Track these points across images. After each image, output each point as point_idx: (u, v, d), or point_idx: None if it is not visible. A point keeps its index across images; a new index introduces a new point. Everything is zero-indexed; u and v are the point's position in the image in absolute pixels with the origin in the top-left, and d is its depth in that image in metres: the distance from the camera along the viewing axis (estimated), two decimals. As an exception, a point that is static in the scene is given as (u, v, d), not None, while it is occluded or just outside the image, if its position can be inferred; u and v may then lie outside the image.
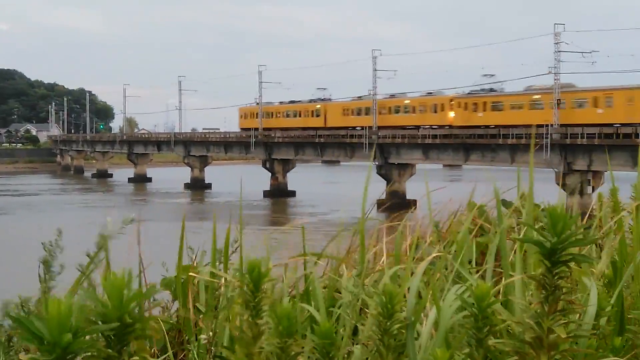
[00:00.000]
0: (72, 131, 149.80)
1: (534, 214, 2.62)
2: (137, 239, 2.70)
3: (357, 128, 72.00)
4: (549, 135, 51.91)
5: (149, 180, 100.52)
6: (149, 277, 2.73)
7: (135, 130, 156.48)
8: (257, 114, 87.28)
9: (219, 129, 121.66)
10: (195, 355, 2.21)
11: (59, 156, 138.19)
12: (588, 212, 3.37)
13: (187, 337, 2.37)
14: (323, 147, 74.33)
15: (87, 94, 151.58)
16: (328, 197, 66.89)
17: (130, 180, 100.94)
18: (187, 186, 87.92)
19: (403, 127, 66.97)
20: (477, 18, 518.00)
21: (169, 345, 2.24)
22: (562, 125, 52.42)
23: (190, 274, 2.53)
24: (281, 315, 1.53)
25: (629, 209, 2.72)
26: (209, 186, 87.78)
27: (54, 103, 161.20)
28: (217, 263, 2.67)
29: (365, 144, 66.57)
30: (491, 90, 63.68)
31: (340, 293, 2.44)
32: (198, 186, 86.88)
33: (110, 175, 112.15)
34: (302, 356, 1.75)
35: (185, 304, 2.44)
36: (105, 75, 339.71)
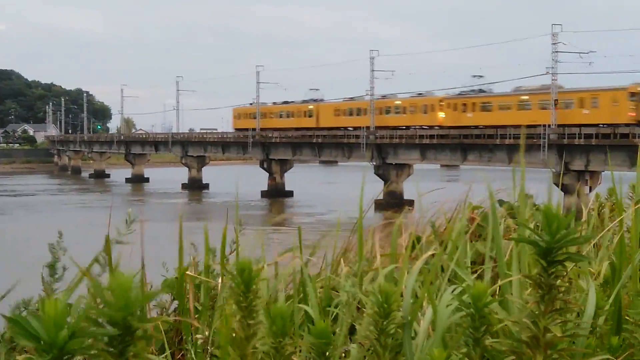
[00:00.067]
0: (70, 131, 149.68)
1: (529, 214, 2.62)
2: (140, 239, 2.70)
3: (350, 128, 72.87)
4: (546, 136, 51.98)
5: (147, 180, 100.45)
6: (148, 277, 2.73)
7: (133, 130, 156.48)
8: (250, 114, 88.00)
9: (216, 129, 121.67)
10: (193, 355, 2.20)
11: (56, 156, 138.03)
12: (586, 211, 3.37)
13: (185, 337, 2.37)
14: (320, 148, 74.34)
15: (85, 94, 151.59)
16: (325, 197, 66.93)
17: (127, 180, 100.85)
18: (184, 186, 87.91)
19: (394, 128, 67.41)
20: (477, 18, 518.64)
21: (167, 345, 2.24)
22: (549, 126, 53.00)
23: (188, 273, 2.53)
24: (275, 315, 1.52)
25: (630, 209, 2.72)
26: (206, 186, 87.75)
27: (51, 103, 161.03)
28: (213, 263, 2.67)
29: (363, 144, 66.62)
30: (480, 91, 64.49)
31: (337, 292, 2.45)
32: (195, 186, 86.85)
33: (108, 176, 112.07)
34: (298, 356, 1.75)
35: (184, 304, 2.44)
36: (103, 76, 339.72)
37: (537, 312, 1.53)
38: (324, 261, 2.79)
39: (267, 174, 78.82)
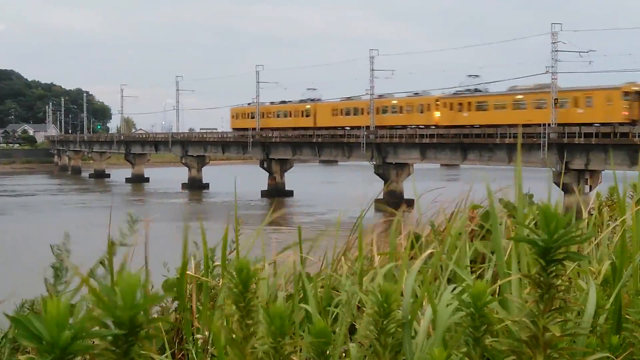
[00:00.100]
0: (70, 131, 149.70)
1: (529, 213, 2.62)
2: (139, 239, 2.69)
3: (347, 128, 73.39)
4: (546, 135, 52.01)
5: (147, 180, 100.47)
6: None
7: (133, 130, 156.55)
8: (248, 114, 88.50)
9: (216, 129, 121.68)
10: (194, 355, 2.20)
11: (56, 156, 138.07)
12: (587, 211, 3.37)
13: (185, 337, 2.37)
14: (320, 147, 74.35)
15: (85, 94, 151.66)
16: (325, 197, 66.91)
17: (127, 180, 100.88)
18: (184, 186, 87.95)
19: (391, 127, 67.79)
20: (476, 18, 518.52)
21: (167, 345, 2.24)
22: (549, 125, 53.35)
23: (188, 273, 2.52)
24: (273, 315, 1.52)
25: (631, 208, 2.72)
26: (206, 186, 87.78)
27: (51, 103, 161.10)
28: (212, 263, 2.67)
29: (363, 143, 66.67)
30: (476, 90, 65.01)
31: (338, 291, 2.44)
32: (195, 186, 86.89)
33: (108, 176, 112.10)
34: (297, 356, 1.75)
35: (184, 303, 2.44)
36: (103, 76, 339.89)
37: (536, 312, 1.53)
38: (325, 260, 2.79)
39: (267, 174, 78.85)
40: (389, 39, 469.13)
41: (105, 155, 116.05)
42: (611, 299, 2.08)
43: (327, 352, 1.66)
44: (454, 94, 66.18)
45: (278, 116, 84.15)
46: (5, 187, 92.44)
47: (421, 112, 67.60)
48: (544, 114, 54.31)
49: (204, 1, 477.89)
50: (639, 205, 2.46)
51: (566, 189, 49.07)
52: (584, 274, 2.28)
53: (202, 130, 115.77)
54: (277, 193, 75.11)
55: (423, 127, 66.21)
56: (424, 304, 1.96)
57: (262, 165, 79.73)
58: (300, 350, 1.78)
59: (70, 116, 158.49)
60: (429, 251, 2.32)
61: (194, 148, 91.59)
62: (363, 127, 67.92)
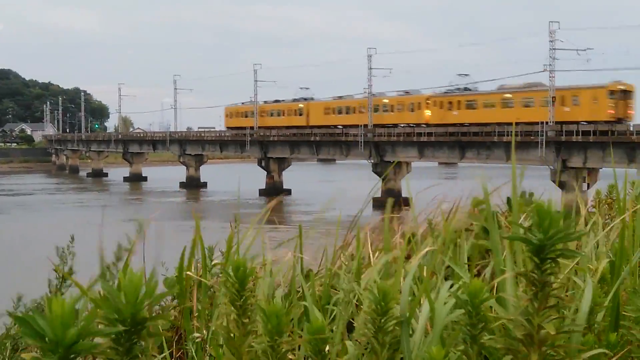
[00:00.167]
0: (67, 130, 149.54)
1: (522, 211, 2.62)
2: (138, 238, 2.69)
3: (339, 126, 74.38)
4: (544, 133, 52.06)
5: (145, 179, 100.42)
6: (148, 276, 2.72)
7: (131, 129, 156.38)
8: (242, 113, 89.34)
9: (214, 128, 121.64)
10: (194, 354, 2.20)
11: (54, 155, 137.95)
12: (585, 208, 3.37)
13: (185, 336, 2.37)
14: (318, 146, 74.38)
15: (82, 93, 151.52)
16: (323, 195, 66.90)
17: (125, 179, 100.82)
18: (182, 185, 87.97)
19: (382, 126, 68.32)
20: (476, 17, 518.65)
21: (165, 344, 2.24)
22: (528, 124, 54.10)
23: (188, 273, 2.52)
24: (270, 313, 1.52)
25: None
26: (204, 185, 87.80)
27: (48, 102, 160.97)
28: (210, 262, 2.67)
29: (361, 142, 66.76)
30: (466, 89, 65.80)
31: (336, 290, 2.45)
32: (193, 185, 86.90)
33: (106, 175, 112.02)
34: (294, 354, 1.75)
35: (185, 302, 2.44)
36: (100, 75, 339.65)
37: (531, 310, 1.54)
38: (323, 258, 2.79)
39: (265, 173, 78.84)
40: (388, 38, 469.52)
41: (103, 155, 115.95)
42: (609, 297, 2.09)
43: (325, 349, 1.67)
44: (445, 92, 67.03)
45: (272, 115, 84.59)
46: (3, 186, 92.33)
47: (412, 111, 68.42)
48: (532, 112, 55.41)
49: (203, 1, 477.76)
50: (637, 203, 2.47)
51: (564, 187, 49.22)
52: (581, 272, 2.28)
53: (200, 129, 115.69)
54: (275, 192, 75.13)
55: (414, 125, 67.17)
56: (421, 301, 1.97)
57: (260, 164, 79.73)
58: (298, 348, 1.78)
59: (68, 115, 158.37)
60: (426, 249, 2.32)
61: (192, 147, 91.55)
62: (361, 125, 68.11)
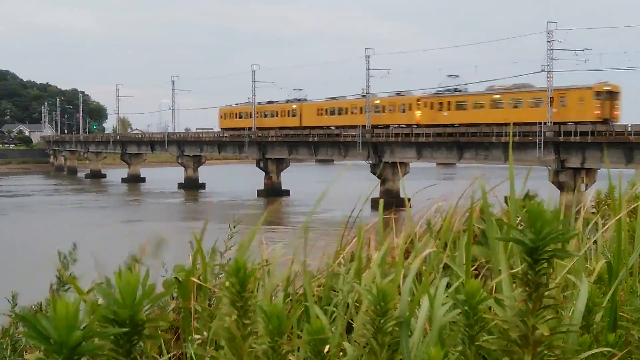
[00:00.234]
0: (65, 131, 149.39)
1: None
2: (135, 238, 2.70)
3: (332, 127, 75.22)
4: (542, 133, 52.11)
5: (143, 180, 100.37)
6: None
7: (129, 130, 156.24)
8: (236, 114, 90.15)
9: (212, 129, 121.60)
10: (193, 356, 2.21)
11: (52, 157, 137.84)
12: (584, 209, 3.38)
13: (185, 337, 2.37)
14: (317, 146, 74.41)
15: (80, 94, 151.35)
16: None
17: (123, 180, 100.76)
18: (180, 186, 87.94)
19: (374, 126, 69.19)
20: (476, 17, 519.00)
21: (163, 345, 2.24)
22: (517, 124, 54.77)
23: (193, 279, 2.52)
24: (271, 314, 1.53)
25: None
26: (202, 186, 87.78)
27: (46, 103, 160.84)
28: (212, 262, 2.67)
29: (359, 143, 66.86)
30: (456, 90, 66.53)
31: (336, 291, 2.45)
32: (192, 186, 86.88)
33: (104, 176, 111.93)
34: (294, 355, 1.75)
35: (187, 303, 2.44)
36: (98, 76, 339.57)
37: (525, 310, 1.54)
38: (323, 259, 2.79)
39: (264, 173, 78.84)
40: (387, 38, 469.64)
41: (101, 156, 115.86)
42: (607, 297, 2.09)
43: (324, 350, 1.67)
44: (435, 94, 67.75)
45: (265, 116, 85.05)
46: (1, 187, 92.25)
47: (403, 112, 69.22)
48: (520, 113, 56.18)
49: (200, 1, 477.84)
50: (632, 204, 2.47)
51: (562, 187, 49.28)
52: (578, 272, 2.28)
53: (198, 130, 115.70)
54: (273, 192, 75.19)
55: (405, 126, 67.98)
56: (421, 302, 1.97)
57: (258, 165, 79.73)
58: (298, 349, 1.78)
59: (66, 116, 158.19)
60: (428, 250, 2.32)
61: (190, 148, 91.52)
62: (359, 126, 68.26)
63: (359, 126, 68.27)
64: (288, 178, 78.96)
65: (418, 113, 67.13)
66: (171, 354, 2.28)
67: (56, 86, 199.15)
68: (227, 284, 1.57)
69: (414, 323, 1.90)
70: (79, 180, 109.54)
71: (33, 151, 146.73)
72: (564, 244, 1.59)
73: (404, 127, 67.50)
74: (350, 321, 2.15)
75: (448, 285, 2.06)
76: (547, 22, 54.69)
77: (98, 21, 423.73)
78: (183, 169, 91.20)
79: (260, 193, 75.83)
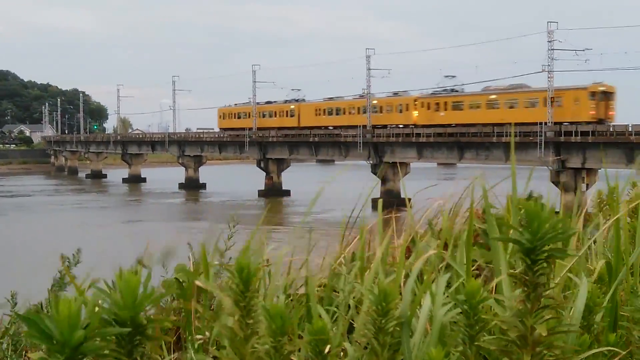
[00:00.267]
0: (66, 132, 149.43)
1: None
2: (134, 237, 2.70)
3: (330, 127, 75.71)
4: (543, 133, 52.11)
5: (144, 180, 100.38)
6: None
7: (129, 130, 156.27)
8: (235, 114, 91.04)
9: (213, 129, 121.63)
10: (192, 356, 2.21)
11: (52, 157, 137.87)
12: (584, 209, 3.38)
13: (185, 337, 2.37)
14: (317, 147, 74.43)
15: (81, 94, 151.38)
16: (322, 196, 66.77)
17: (124, 180, 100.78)
18: (181, 186, 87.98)
19: (372, 127, 69.11)
20: (477, 17, 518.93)
21: (164, 345, 2.24)
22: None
23: (196, 282, 2.52)
24: (274, 314, 1.53)
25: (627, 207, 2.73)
26: (203, 186, 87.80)
27: (47, 104, 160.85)
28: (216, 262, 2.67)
29: (360, 143, 66.89)
30: (452, 90, 67.10)
31: (337, 292, 2.45)
32: (192, 186, 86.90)
33: (105, 176, 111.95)
34: (296, 355, 1.76)
35: (187, 305, 2.44)
36: (99, 76, 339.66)
37: (523, 311, 1.54)
38: (325, 260, 2.79)
39: (264, 174, 78.84)
40: (388, 38, 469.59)
41: (102, 156, 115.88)
42: (607, 297, 2.09)
43: (325, 350, 1.67)
44: (432, 94, 68.13)
45: (264, 116, 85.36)
46: (2, 187, 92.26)
47: (400, 112, 69.61)
48: (516, 113, 56.57)
49: (200, 1, 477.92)
50: (631, 203, 2.47)
51: (564, 187, 49.26)
52: (578, 272, 2.28)
53: (198, 130, 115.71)
54: (274, 193, 75.20)
55: (402, 126, 68.38)
56: (422, 302, 1.97)
57: (259, 165, 79.74)
58: (299, 350, 1.78)
59: (66, 116, 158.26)
60: (430, 252, 2.32)
61: (191, 148, 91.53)
62: (360, 126, 68.33)
63: (360, 126, 68.31)
64: (289, 178, 78.97)
65: (415, 113, 67.59)
66: (172, 356, 2.28)
67: (57, 86, 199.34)
68: (231, 284, 1.57)
69: (415, 323, 1.90)
70: (79, 181, 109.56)
71: (34, 151, 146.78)
72: (564, 244, 1.58)
73: (402, 127, 67.94)
74: (351, 322, 2.15)
75: (448, 285, 2.06)
76: (548, 22, 54.74)
77: (99, 21, 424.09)
78: (184, 169, 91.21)
79: (261, 193, 75.85)
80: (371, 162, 66.88)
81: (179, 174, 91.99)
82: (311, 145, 74.65)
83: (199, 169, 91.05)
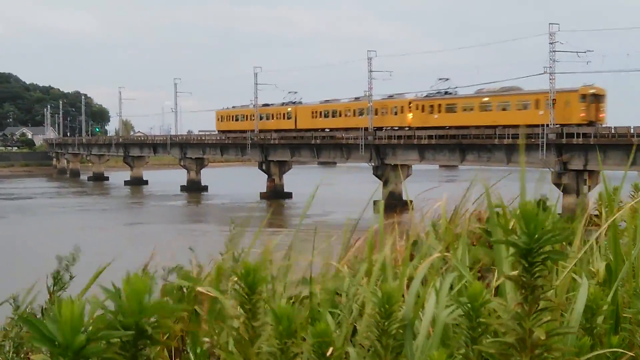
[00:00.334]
0: (68, 134, 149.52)
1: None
2: (134, 241, 2.70)
3: (326, 130, 75.98)
4: (544, 135, 52.09)
5: (145, 182, 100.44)
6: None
7: (131, 132, 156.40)
8: (233, 116, 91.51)
9: (215, 131, 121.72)
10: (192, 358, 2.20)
11: (54, 159, 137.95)
12: (587, 212, 3.37)
13: (187, 340, 2.37)
14: (319, 149, 74.49)
15: (83, 96, 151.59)
16: (324, 198, 66.94)
17: (126, 183, 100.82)
18: (183, 188, 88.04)
19: (366, 129, 69.29)
20: (477, 18, 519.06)
21: (166, 351, 2.24)
22: (506, 127, 55.83)
23: (199, 289, 2.52)
24: (281, 316, 1.53)
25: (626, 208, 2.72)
26: (205, 188, 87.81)
27: (49, 106, 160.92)
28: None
29: (361, 145, 66.95)
30: (446, 93, 67.44)
31: (339, 295, 2.45)
32: (194, 188, 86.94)
33: (107, 178, 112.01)
34: (301, 357, 1.75)
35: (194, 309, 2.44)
36: (101, 78, 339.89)
37: (522, 313, 1.53)
38: (326, 262, 2.79)
39: (266, 176, 78.89)
40: (388, 38, 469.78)
41: (103, 158, 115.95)
42: (608, 299, 2.09)
43: (328, 353, 1.67)
44: (426, 96, 68.57)
45: (261, 118, 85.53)
46: (3, 190, 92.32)
47: (395, 114, 70.15)
48: (508, 116, 57.35)
49: (201, 3, 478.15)
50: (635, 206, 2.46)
51: (565, 190, 49.27)
52: (580, 274, 2.28)
53: (200, 132, 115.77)
54: (276, 195, 75.22)
55: (397, 128, 68.93)
56: (425, 304, 1.97)
57: (260, 167, 79.78)
58: (302, 352, 1.78)
59: (68, 119, 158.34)
60: (435, 255, 2.32)
61: (193, 150, 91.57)
62: (362, 128, 68.44)
63: (362, 128, 68.38)
64: (290, 180, 78.98)
65: (409, 115, 68.16)
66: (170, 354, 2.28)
67: (59, 89, 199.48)
68: (237, 287, 1.57)
69: (418, 325, 1.90)
70: (81, 183, 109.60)
71: (35, 154, 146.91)
72: (568, 246, 1.58)
73: (397, 129, 68.57)
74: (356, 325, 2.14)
75: (450, 287, 2.05)
76: (550, 24, 54.70)
77: (101, 23, 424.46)
78: (185, 171, 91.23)
79: (262, 195, 75.88)
80: (373, 164, 66.88)
81: (180, 176, 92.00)
82: (313, 147, 74.73)
83: (201, 171, 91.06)
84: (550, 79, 54.55)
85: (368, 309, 1.77)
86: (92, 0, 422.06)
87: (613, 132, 50.31)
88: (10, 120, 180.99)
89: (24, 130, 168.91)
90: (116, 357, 1.27)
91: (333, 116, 76.81)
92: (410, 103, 68.80)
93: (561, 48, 54.24)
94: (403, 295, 2.00)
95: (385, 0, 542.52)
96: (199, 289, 2.41)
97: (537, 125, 52.79)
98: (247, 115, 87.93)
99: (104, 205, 74.25)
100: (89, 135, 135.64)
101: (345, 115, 74.76)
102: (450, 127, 62.38)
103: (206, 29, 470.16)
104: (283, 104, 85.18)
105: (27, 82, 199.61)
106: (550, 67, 54.20)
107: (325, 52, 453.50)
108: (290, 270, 2.61)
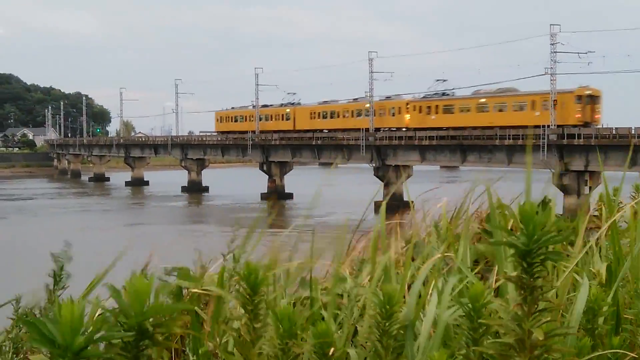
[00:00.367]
0: (69, 135, 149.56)
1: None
2: (134, 241, 2.70)
3: (325, 131, 76.41)
4: (545, 136, 52.08)
5: (146, 183, 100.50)
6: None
7: (132, 133, 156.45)
8: (232, 117, 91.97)
9: (215, 132, 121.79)
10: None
11: (55, 160, 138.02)
12: (588, 212, 3.37)
13: (187, 342, 2.37)
14: (320, 150, 74.52)
15: (84, 97, 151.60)
16: (325, 199, 66.93)
17: (127, 183, 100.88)
18: (184, 189, 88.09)
19: (367, 130, 69.58)
20: (477, 19, 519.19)
21: (166, 352, 2.23)
22: (502, 128, 56.23)
23: (202, 289, 2.51)
24: (282, 317, 1.53)
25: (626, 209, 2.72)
26: (206, 189, 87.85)
27: (50, 107, 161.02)
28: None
29: (362, 146, 66.98)
30: (443, 94, 67.83)
31: (341, 296, 2.45)
32: (195, 189, 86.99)
33: (108, 179, 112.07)
34: (302, 358, 1.75)
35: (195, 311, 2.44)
36: (102, 79, 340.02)
37: (521, 314, 1.53)
38: (327, 263, 2.79)
39: (267, 177, 78.93)
40: (389, 39, 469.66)
41: (104, 159, 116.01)
42: (609, 299, 2.08)
43: (329, 353, 1.67)
44: (423, 97, 68.89)
45: (260, 119, 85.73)
46: (4, 191, 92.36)
47: (393, 115, 70.41)
48: (505, 116, 57.82)
49: (202, 4, 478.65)
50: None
51: (566, 190, 49.29)
52: (581, 274, 2.28)
53: (201, 133, 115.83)
54: (277, 196, 75.25)
55: (395, 129, 69.10)
56: (426, 305, 1.97)
57: (261, 168, 79.82)
58: (303, 353, 1.78)
59: (69, 120, 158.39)
60: (437, 256, 2.32)
61: (194, 151, 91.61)
62: (362, 129, 68.50)
63: (363, 129, 68.42)
64: (291, 181, 79.00)
65: (407, 116, 68.36)
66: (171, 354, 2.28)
67: (60, 90, 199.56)
68: (239, 288, 1.57)
69: (419, 326, 1.89)
70: (82, 184, 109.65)
71: (37, 155, 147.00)
72: (569, 246, 1.58)
73: (395, 130, 68.83)
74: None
75: (452, 288, 2.05)
76: (551, 24, 54.70)
77: (102, 24, 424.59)
78: (186, 172, 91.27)
79: (263, 196, 75.92)
80: (374, 165, 66.89)
81: (181, 177, 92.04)
82: (314, 148, 74.78)
83: (202, 172, 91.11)
84: (551, 80, 54.56)
85: (369, 309, 1.77)
86: (92, 0, 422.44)
87: (614, 133, 50.28)
88: (12, 121, 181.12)
89: (25, 131, 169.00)
90: (117, 358, 1.27)
91: (331, 117, 77.16)
92: (407, 104, 69.08)
93: (562, 49, 54.25)
94: (404, 296, 1.99)
95: (385, 0, 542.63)
96: (203, 288, 2.40)
97: (535, 127, 52.92)
98: (246, 116, 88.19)
99: (105, 206, 74.27)
100: (90, 136, 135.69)
101: (344, 116, 75.10)
102: (447, 128, 62.62)
103: (206, 30, 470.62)
104: (282, 105, 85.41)
105: (28, 83, 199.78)
106: (552, 68, 54.20)
107: (326, 52, 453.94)
108: (294, 272, 2.61)
